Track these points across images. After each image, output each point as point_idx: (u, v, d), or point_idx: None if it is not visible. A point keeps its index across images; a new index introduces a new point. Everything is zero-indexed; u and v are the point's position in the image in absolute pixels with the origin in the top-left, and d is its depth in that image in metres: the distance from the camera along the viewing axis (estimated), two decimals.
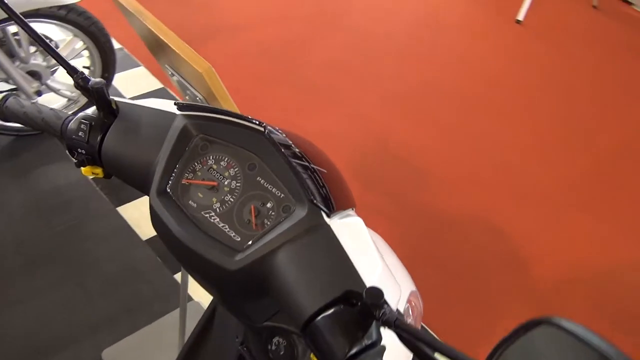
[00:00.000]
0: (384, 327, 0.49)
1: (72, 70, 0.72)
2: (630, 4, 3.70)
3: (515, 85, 2.86)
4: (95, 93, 0.69)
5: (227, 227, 0.62)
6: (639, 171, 2.46)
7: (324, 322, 0.53)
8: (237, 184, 0.63)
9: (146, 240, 1.91)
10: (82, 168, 0.73)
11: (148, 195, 0.71)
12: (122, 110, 0.71)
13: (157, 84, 2.52)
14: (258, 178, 0.63)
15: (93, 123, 0.71)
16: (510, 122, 2.61)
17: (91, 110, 0.73)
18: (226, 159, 0.64)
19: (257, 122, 0.63)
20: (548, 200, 2.25)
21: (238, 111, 0.75)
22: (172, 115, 0.68)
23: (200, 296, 1.78)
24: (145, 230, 1.93)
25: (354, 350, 0.52)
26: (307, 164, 0.62)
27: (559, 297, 1.92)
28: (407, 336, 0.48)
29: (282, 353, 0.75)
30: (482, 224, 2.11)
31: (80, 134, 0.71)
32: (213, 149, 0.65)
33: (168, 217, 0.63)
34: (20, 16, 0.74)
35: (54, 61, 2.02)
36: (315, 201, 0.59)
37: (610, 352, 0.39)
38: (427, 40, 3.11)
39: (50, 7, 1.83)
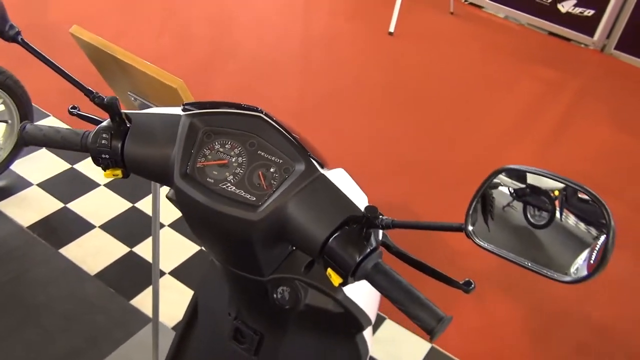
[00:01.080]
0: (384, 230, 0.71)
1: (88, 92, 0.89)
2: (481, 7, 4.25)
3: (392, 86, 3.21)
4: (111, 107, 0.85)
5: (242, 192, 0.80)
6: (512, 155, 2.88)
7: (336, 242, 0.74)
8: (243, 159, 0.82)
9: (94, 275, 1.99)
10: (104, 172, 0.89)
11: (168, 185, 0.88)
12: (134, 119, 0.88)
13: None
14: (259, 152, 0.82)
15: (113, 132, 0.87)
16: (398, 117, 2.94)
17: (105, 123, 0.88)
18: (229, 142, 0.83)
19: (254, 108, 0.82)
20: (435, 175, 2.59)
21: None
22: (178, 116, 0.86)
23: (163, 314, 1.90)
24: (92, 265, 2.02)
25: (362, 256, 0.73)
26: (295, 135, 0.82)
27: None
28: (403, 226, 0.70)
29: (287, 298, 0.94)
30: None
31: (103, 142, 0.87)
32: (217, 136, 0.83)
33: (194, 192, 0.80)
34: None
35: None
36: (311, 157, 0.79)
37: (557, 176, 0.63)
38: (318, 58, 3.40)
39: None
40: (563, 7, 3.91)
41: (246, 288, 1.01)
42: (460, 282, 0.76)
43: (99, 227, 2.16)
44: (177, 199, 0.84)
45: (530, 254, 0.64)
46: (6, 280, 1.92)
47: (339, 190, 0.78)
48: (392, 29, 3.72)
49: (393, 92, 3.18)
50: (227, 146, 0.83)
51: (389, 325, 1.97)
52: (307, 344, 1.14)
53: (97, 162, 0.89)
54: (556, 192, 0.63)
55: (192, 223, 0.88)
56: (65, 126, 2.60)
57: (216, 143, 0.83)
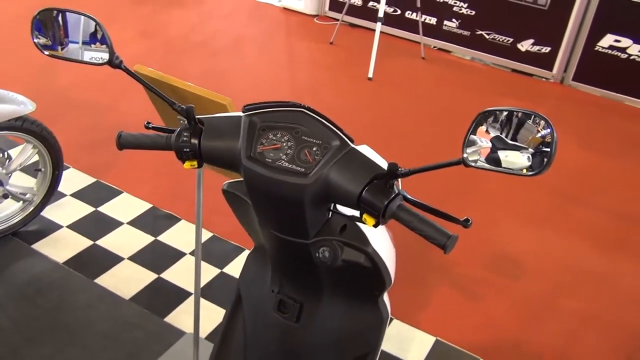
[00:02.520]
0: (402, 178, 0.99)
1: (171, 103, 1.16)
2: (449, 52, 4.67)
3: (376, 124, 3.54)
4: (188, 113, 1.13)
5: (294, 166, 1.07)
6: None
7: (368, 193, 1.01)
8: (291, 143, 1.09)
9: (129, 299, 2.20)
10: (184, 163, 1.16)
11: (235, 170, 1.15)
12: (206, 121, 1.16)
13: (89, 179, 2.83)
14: (303, 137, 1.09)
15: (191, 132, 1.14)
16: (380, 151, 3.25)
17: (184, 127, 1.15)
18: (280, 132, 1.10)
19: (297, 104, 1.10)
20: None
21: None
22: (239, 117, 1.14)
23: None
24: (125, 291, 2.23)
25: (388, 200, 1.00)
26: (328, 122, 1.10)
27: None
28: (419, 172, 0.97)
29: (327, 256, 1.20)
30: None
31: (184, 139, 1.14)
32: (270, 129, 1.11)
33: (259, 168, 1.07)
34: None
35: (11, 167, 2.30)
36: (342, 135, 1.07)
37: (518, 109, 0.91)
38: (308, 102, 3.73)
39: (9, 120, 2.15)
40: (522, 47, 4.34)
41: (292, 255, 1.26)
42: (461, 219, 1.03)
43: (128, 258, 2.38)
44: (245, 177, 1.11)
45: (510, 164, 0.93)
46: (50, 307, 2.12)
47: (366, 156, 1.06)
48: (370, 75, 4.08)
49: (375, 129, 3.50)
50: (278, 135, 1.11)
51: (396, 324, 2.20)
52: (339, 308, 1.38)
53: (179, 155, 1.16)
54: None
55: (255, 197, 1.14)
56: (87, 176, 2.85)
57: (270, 134, 1.11)
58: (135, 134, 1.23)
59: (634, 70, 3.99)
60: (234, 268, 2.40)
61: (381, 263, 1.22)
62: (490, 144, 0.95)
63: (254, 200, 1.16)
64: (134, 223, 2.58)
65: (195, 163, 1.17)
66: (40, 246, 2.40)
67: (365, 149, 1.10)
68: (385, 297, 1.40)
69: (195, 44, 4.39)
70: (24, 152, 2.32)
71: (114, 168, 2.93)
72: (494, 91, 4.09)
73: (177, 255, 2.43)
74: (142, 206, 2.69)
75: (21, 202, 2.41)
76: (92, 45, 1.19)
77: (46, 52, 1.22)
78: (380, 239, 1.23)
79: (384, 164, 1.08)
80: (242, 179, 1.30)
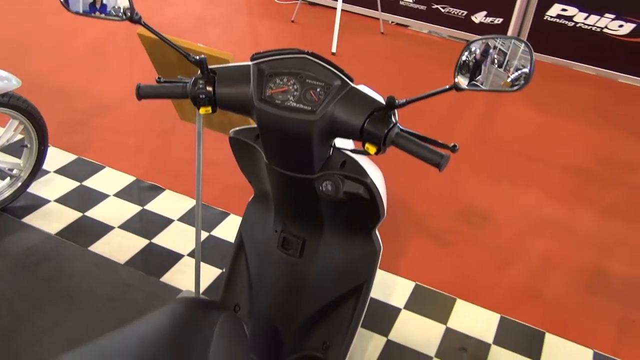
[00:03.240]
0: (399, 109, 1.14)
1: (186, 55, 1.27)
2: (407, 26, 4.85)
3: None
4: (202, 64, 1.25)
5: (301, 105, 1.21)
6: None
7: (369, 124, 1.16)
8: (297, 86, 1.23)
9: (124, 264, 2.30)
10: (199, 109, 1.28)
11: (247, 114, 1.28)
12: (218, 71, 1.28)
13: (70, 156, 2.89)
14: (307, 80, 1.23)
15: (207, 80, 1.26)
16: None
17: (198, 75, 1.27)
18: (286, 77, 1.24)
19: (301, 51, 1.23)
20: None
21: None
22: (248, 66, 1.27)
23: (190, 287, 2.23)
24: (120, 256, 2.33)
25: (388, 128, 1.15)
26: (330, 65, 1.24)
27: None
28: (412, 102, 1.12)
29: (330, 189, 1.34)
30: None
31: (200, 87, 1.26)
32: (277, 74, 1.24)
33: (270, 108, 1.21)
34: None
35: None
36: (343, 76, 1.21)
37: (499, 35, 1.08)
38: None
39: None
40: (476, 19, 4.56)
41: (296, 191, 1.40)
42: (449, 145, 1.19)
43: (118, 227, 2.47)
44: (258, 118, 1.24)
45: (497, 84, 1.09)
46: (49, 276, 2.20)
47: (365, 93, 1.21)
48: (334, 50, 4.23)
49: None
50: (285, 79, 1.24)
51: (379, 273, 2.37)
52: (338, 242, 1.54)
53: (195, 101, 1.28)
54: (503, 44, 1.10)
55: (267, 137, 1.28)
56: (67, 153, 2.91)
57: (277, 79, 1.25)
58: (153, 85, 1.34)
59: (580, 37, 4.26)
60: (221, 231, 2.52)
61: (377, 194, 1.37)
62: (477, 69, 1.11)
63: (265, 140, 1.29)
64: (120, 195, 2.66)
65: (209, 109, 1.29)
66: (31, 220, 2.46)
67: (364, 88, 1.25)
68: (377, 233, 1.56)
69: (157, 26, 4.43)
70: (10, 128, 2.37)
71: (93, 146, 2.99)
72: (451, 62, 4.25)
73: (165, 222, 2.53)
74: (126, 179, 2.77)
75: (8, 178, 2.47)
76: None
77: (72, 9, 1.31)
78: (375, 175, 1.38)
79: (381, 100, 1.23)
80: (246, 126, 1.44)
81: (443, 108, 3.64)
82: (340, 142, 1.38)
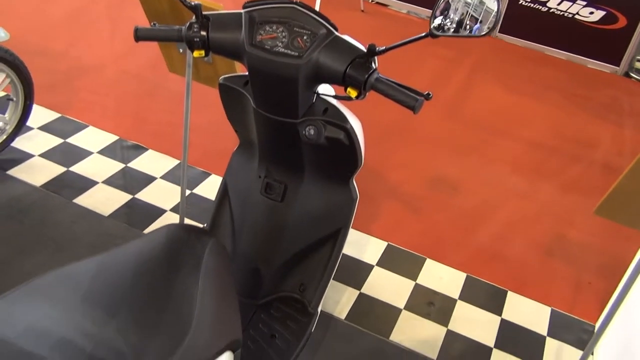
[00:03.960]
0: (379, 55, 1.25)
1: (185, 3, 1.35)
2: (387, 5, 4.95)
3: None
4: (196, 9, 1.34)
5: (289, 50, 1.31)
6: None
7: (351, 69, 1.27)
8: (285, 33, 1.33)
9: (108, 216, 2.38)
10: (193, 52, 1.37)
11: (238, 59, 1.37)
12: (212, 17, 1.37)
13: (53, 114, 2.94)
14: (295, 28, 1.33)
15: (201, 25, 1.35)
16: None
17: (193, 20, 1.36)
18: (275, 25, 1.34)
19: (291, 1, 1.33)
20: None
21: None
22: (239, 13, 1.36)
23: None
24: (104, 209, 2.40)
25: (368, 73, 1.26)
26: (316, 14, 1.34)
27: None
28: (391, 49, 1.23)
29: (313, 133, 1.45)
30: None
31: (195, 31, 1.35)
32: (267, 22, 1.34)
33: (260, 52, 1.30)
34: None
35: None
36: (328, 25, 1.31)
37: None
38: None
39: None
40: None
41: (280, 136, 1.50)
42: (424, 93, 1.30)
43: (102, 182, 2.54)
44: (248, 62, 1.34)
45: (468, 30, 1.21)
46: (34, 224, 2.27)
47: (348, 41, 1.32)
48: None
49: None
50: (274, 27, 1.34)
51: (353, 232, 2.50)
52: (318, 188, 1.65)
53: (190, 45, 1.37)
54: None
55: (255, 79, 1.37)
56: (51, 112, 2.95)
57: (267, 26, 1.34)
58: (150, 27, 1.42)
59: (552, 22, 4.43)
60: (202, 189, 2.61)
61: (356, 140, 1.49)
62: (450, 17, 1.22)
63: (254, 85, 1.39)
64: (103, 152, 2.73)
65: (202, 52, 1.38)
66: (15, 172, 2.52)
67: (347, 37, 1.36)
68: (354, 182, 1.68)
69: None
70: None
71: (75, 106, 3.04)
72: (427, 42, 4.40)
73: (148, 179, 2.61)
74: (109, 138, 2.83)
75: None
76: None
77: None
78: (355, 123, 1.49)
79: (363, 48, 1.33)
80: (236, 74, 1.53)
81: (416, 87, 3.77)
82: (323, 91, 1.48)
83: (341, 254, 1.73)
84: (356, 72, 1.27)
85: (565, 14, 4.37)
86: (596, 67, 4.43)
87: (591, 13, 4.30)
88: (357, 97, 1.30)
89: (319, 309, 1.75)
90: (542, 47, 4.54)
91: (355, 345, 2.01)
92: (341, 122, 1.43)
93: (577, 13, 4.33)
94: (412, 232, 2.56)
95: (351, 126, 1.44)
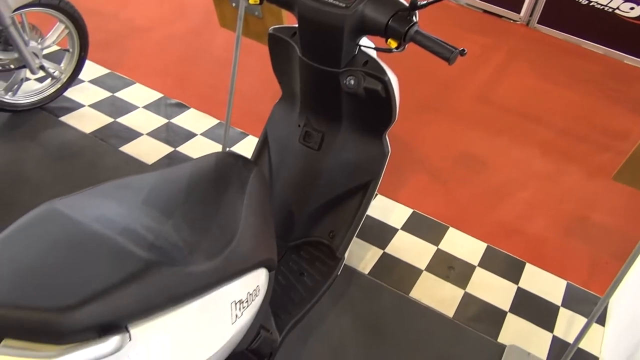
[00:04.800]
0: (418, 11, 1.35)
1: None
2: None
3: None
4: None
5: (338, 2, 1.42)
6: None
7: (394, 21, 1.38)
8: None
9: (151, 164, 2.53)
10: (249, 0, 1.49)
11: (290, 9, 1.49)
12: None
13: (104, 70, 3.10)
14: None
15: None
16: None
17: None
18: None
19: None
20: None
21: None
22: None
23: None
24: (147, 159, 2.55)
25: (408, 26, 1.36)
26: None
27: None
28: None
29: (353, 83, 1.56)
30: None
31: None
32: None
33: (310, 1, 1.42)
34: None
35: (46, 43, 2.56)
36: None
37: None
38: None
39: None
40: None
41: (322, 85, 1.61)
42: (458, 49, 1.40)
43: (146, 134, 2.70)
44: (299, 10, 1.45)
45: None
46: (84, 166, 2.43)
47: None
48: None
49: None
50: None
51: (381, 198, 2.60)
52: (353, 140, 1.76)
53: None
54: None
55: (303, 28, 1.48)
56: (100, 67, 3.11)
57: None
58: None
59: (591, 16, 4.44)
60: (239, 148, 2.74)
61: (393, 94, 1.59)
62: None
63: (302, 34, 1.51)
64: (148, 107, 2.88)
65: (258, 0, 1.50)
66: (67, 119, 2.68)
67: None
68: (387, 138, 1.78)
69: None
70: (57, 30, 2.57)
71: (124, 63, 3.19)
72: (466, 28, 4.47)
73: (189, 135, 2.75)
74: (154, 95, 2.98)
75: (50, 79, 2.68)
76: None
77: None
78: (392, 77, 1.60)
79: (405, 2, 1.44)
80: (285, 25, 1.65)
81: (448, 74, 3.84)
82: (364, 44, 1.59)
83: (369, 206, 1.84)
84: (398, 24, 1.38)
85: (605, 8, 4.38)
86: (633, 63, 4.43)
87: (632, 8, 4.31)
88: (396, 49, 1.40)
89: (346, 255, 1.87)
90: (579, 40, 4.56)
91: (376, 298, 2.12)
92: (380, 75, 1.54)
93: (618, 8, 4.34)
94: (437, 202, 2.66)
95: (389, 79, 1.55)
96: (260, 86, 3.20)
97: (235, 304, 1.14)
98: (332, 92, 1.61)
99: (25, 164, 2.39)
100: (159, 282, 0.96)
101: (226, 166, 1.31)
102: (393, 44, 1.40)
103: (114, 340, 0.87)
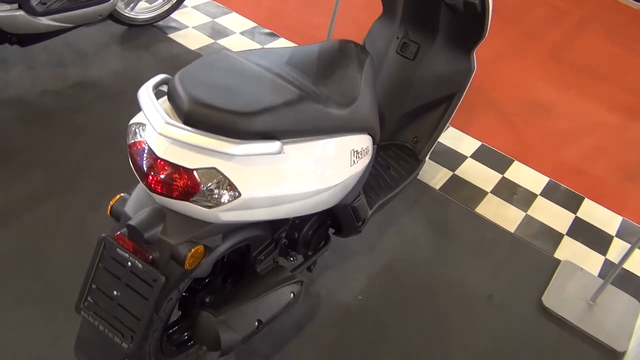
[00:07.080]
0: None
1: None
2: None
3: None
4: None
5: None
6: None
7: None
8: None
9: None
10: None
11: None
12: None
13: None
14: None
15: None
16: None
17: None
18: None
19: None
20: None
21: None
22: None
23: None
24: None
25: None
26: None
27: None
28: None
29: None
30: None
31: None
32: None
33: None
34: None
35: None
36: None
37: None
38: None
39: None
40: None
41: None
42: None
43: None
44: None
45: None
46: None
47: None
48: None
49: None
50: None
51: (452, 130, 2.82)
52: (445, 53, 1.98)
53: None
54: None
55: None
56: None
57: None
58: None
59: None
60: None
61: (487, 11, 1.80)
62: None
63: None
64: (243, 34, 3.16)
65: None
66: (174, 37, 2.99)
67: None
68: (474, 55, 1.99)
69: None
70: None
71: None
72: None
73: None
74: (249, 23, 3.26)
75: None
76: None
77: None
78: None
79: None
80: None
81: (525, 28, 3.97)
82: None
83: (452, 117, 2.06)
84: None
85: None
86: None
87: None
88: None
89: (426, 159, 2.10)
90: None
91: (445, 210, 2.36)
92: None
93: None
94: (505, 140, 2.85)
95: None
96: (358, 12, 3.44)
97: (353, 151, 1.39)
98: (432, 4, 1.83)
99: (141, 69, 2.71)
100: (307, 112, 1.22)
101: (348, 49, 1.56)
102: None
103: (278, 144, 1.14)
